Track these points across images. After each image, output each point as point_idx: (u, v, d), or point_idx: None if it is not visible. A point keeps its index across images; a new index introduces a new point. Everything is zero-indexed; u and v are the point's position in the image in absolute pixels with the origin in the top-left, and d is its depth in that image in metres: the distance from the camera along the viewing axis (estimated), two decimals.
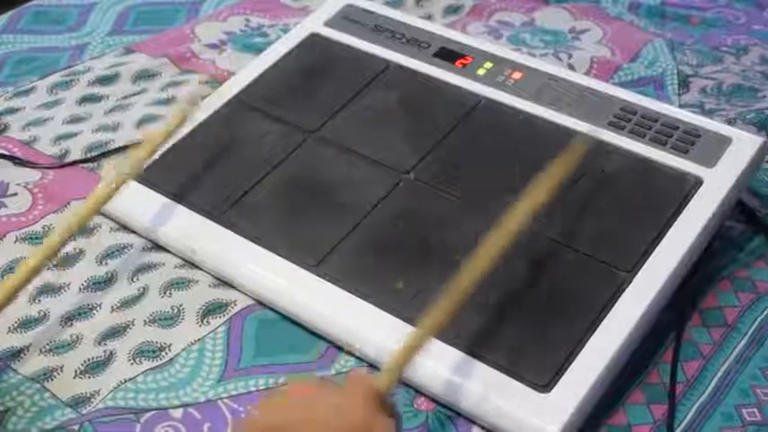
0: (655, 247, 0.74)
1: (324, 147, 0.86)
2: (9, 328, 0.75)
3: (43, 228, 0.84)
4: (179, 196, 0.82)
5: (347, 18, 0.97)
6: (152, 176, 0.84)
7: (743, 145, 0.81)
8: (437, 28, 0.96)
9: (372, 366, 0.72)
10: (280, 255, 0.77)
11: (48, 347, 0.74)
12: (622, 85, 1.01)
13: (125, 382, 0.71)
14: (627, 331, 0.69)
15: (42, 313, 0.77)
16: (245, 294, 0.78)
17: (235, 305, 0.77)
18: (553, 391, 0.67)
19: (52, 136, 0.94)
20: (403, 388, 0.71)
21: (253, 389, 0.71)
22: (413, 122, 0.87)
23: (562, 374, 0.67)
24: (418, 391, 0.71)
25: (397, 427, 0.57)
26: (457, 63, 0.91)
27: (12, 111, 0.98)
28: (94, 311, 0.77)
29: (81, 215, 0.77)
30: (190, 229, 0.80)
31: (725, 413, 0.71)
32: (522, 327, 0.71)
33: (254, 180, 0.83)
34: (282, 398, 0.58)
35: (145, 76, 1.02)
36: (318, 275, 0.75)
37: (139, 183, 0.83)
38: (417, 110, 0.88)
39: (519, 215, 0.69)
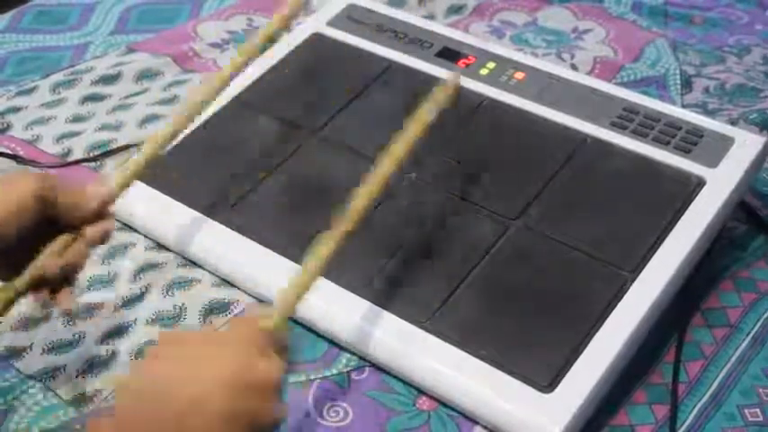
0: (657, 248, 0.74)
1: (326, 146, 0.85)
2: (11, 326, 0.75)
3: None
4: (181, 196, 0.82)
5: (350, 18, 0.97)
6: (154, 176, 0.84)
7: (745, 145, 0.81)
8: (439, 28, 0.96)
9: (374, 366, 0.72)
10: (281, 254, 0.77)
11: (50, 347, 0.74)
12: (625, 85, 1.01)
13: None
14: (629, 331, 0.69)
15: (45, 312, 0.76)
16: (247, 294, 0.78)
17: (237, 305, 0.77)
18: (556, 391, 0.67)
19: (55, 135, 0.94)
20: (405, 387, 0.71)
21: None
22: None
23: (565, 375, 0.67)
24: (420, 391, 0.71)
25: (287, 365, 0.54)
26: (459, 63, 0.91)
27: (14, 110, 0.98)
28: (97, 311, 0.77)
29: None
30: (192, 229, 0.80)
31: (727, 413, 0.71)
32: (525, 327, 0.71)
33: (256, 180, 0.83)
34: (154, 355, 0.53)
35: (147, 75, 1.02)
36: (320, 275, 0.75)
37: (142, 182, 0.83)
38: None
39: (394, 158, 0.68)
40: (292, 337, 0.75)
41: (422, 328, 0.71)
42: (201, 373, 0.51)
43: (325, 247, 0.62)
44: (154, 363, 0.53)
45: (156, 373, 0.52)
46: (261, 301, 0.77)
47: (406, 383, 0.71)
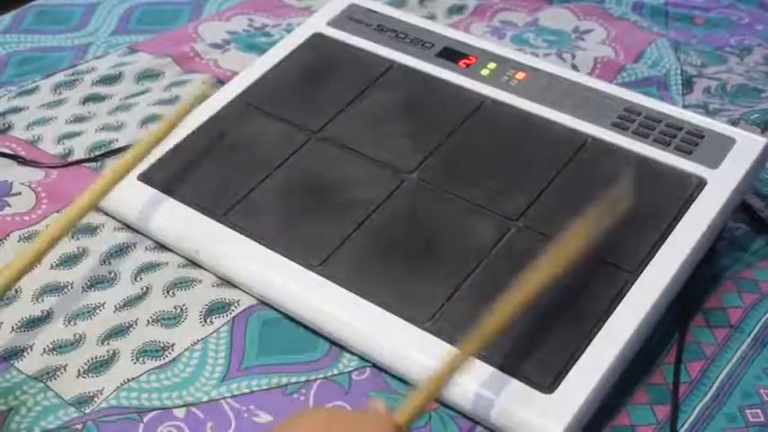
0: (658, 248, 0.74)
1: (327, 147, 0.86)
2: (12, 327, 0.75)
3: (46, 227, 0.83)
4: (182, 196, 0.82)
5: (350, 18, 0.97)
6: (156, 176, 0.84)
7: (747, 146, 0.81)
8: (440, 28, 0.96)
9: (375, 367, 0.72)
10: (283, 255, 0.77)
11: (51, 347, 0.74)
12: (626, 85, 1.01)
13: (128, 381, 0.71)
14: (630, 332, 0.69)
15: (46, 312, 0.77)
16: (249, 294, 0.78)
17: (238, 305, 0.77)
18: (556, 391, 0.67)
19: (56, 135, 0.94)
20: (406, 387, 0.71)
21: (255, 388, 0.71)
22: (416, 123, 0.87)
23: (565, 375, 0.67)
24: None
25: None
26: (460, 63, 0.91)
27: (15, 110, 0.98)
28: (98, 311, 0.77)
29: (76, 209, 0.75)
30: (193, 229, 0.80)
31: (728, 414, 0.71)
32: (526, 327, 0.71)
33: (257, 180, 0.83)
34: (295, 424, 0.57)
35: (148, 75, 1.02)
36: (322, 275, 0.75)
37: (143, 182, 0.84)
38: (421, 110, 0.88)
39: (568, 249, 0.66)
40: (292, 337, 0.75)
41: (422, 328, 0.71)
42: None
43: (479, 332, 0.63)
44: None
45: None
46: (264, 303, 0.77)
47: (407, 384, 0.71)
